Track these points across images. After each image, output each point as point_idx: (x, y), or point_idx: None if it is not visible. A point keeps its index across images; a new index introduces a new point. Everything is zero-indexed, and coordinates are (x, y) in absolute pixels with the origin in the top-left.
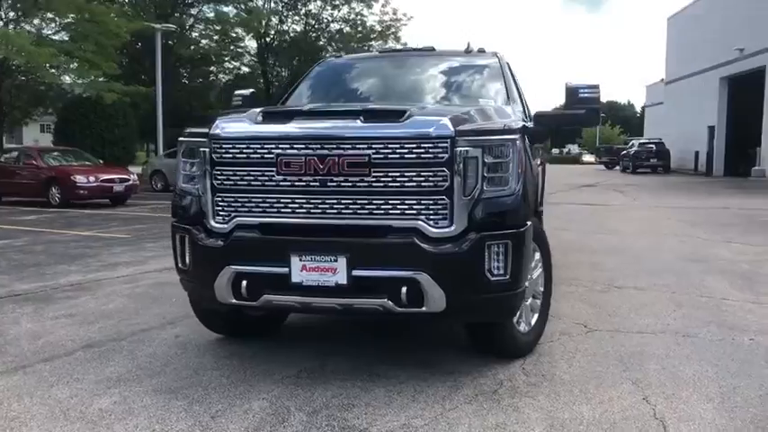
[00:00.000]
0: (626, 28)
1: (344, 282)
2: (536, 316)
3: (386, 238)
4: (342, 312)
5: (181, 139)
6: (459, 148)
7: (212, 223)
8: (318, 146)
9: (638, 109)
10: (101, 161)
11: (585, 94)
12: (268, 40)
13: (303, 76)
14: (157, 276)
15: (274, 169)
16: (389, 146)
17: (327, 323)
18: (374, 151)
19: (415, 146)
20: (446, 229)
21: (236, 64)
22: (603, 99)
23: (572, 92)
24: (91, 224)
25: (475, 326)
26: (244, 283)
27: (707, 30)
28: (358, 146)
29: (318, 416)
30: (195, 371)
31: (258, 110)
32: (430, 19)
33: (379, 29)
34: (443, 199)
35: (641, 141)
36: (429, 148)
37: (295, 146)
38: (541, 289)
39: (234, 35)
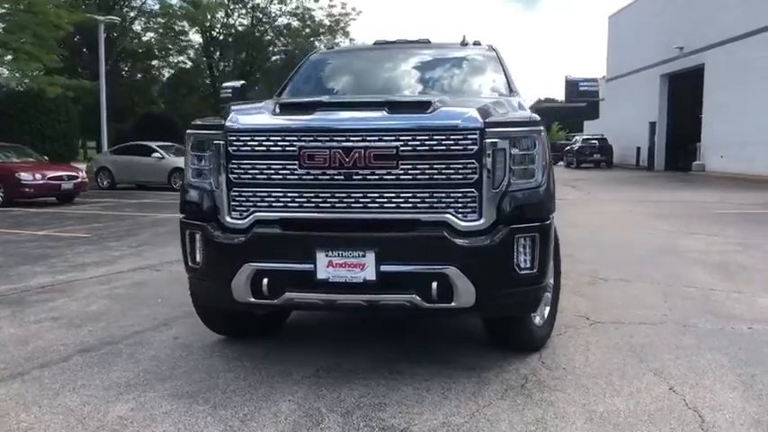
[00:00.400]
0: (565, 26)
1: (373, 277)
2: (548, 309)
3: (415, 232)
4: (366, 309)
5: (190, 131)
6: (487, 140)
7: (228, 219)
8: (344, 138)
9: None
10: (45, 158)
11: (585, 87)
12: (214, 33)
13: (297, 67)
14: (133, 276)
15: (296, 162)
16: (418, 137)
17: (331, 320)
18: (402, 143)
19: (444, 137)
20: (475, 223)
21: (182, 58)
22: (542, 96)
23: (572, 85)
24: (42, 223)
25: (493, 320)
26: (265, 280)
27: (647, 28)
28: (385, 137)
29: (353, 416)
30: (208, 374)
31: (273, 101)
32: (378, 14)
33: (328, 23)
34: (472, 192)
35: (584, 137)
36: (458, 139)
37: (319, 138)
38: (552, 282)
39: (178, 28)
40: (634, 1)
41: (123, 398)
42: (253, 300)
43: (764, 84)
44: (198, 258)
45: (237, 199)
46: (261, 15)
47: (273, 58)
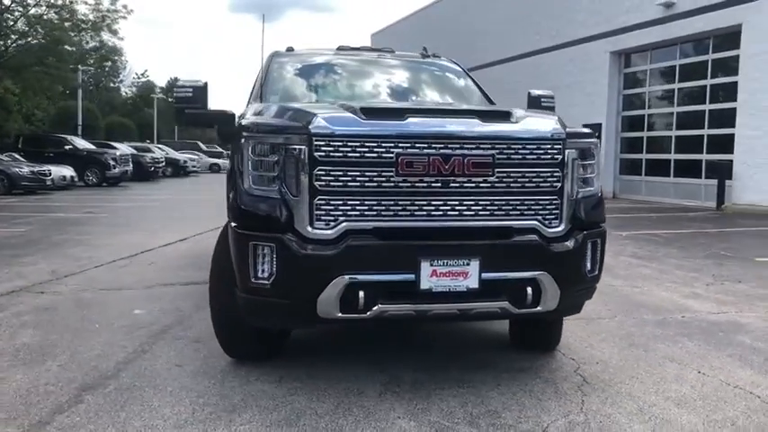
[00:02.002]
0: (330, 41)
1: (476, 285)
2: None
3: (513, 240)
4: (458, 318)
5: (250, 134)
6: (567, 150)
7: (309, 229)
8: (442, 145)
9: None
10: None
11: (546, 103)
12: None
13: (266, 71)
14: (39, 300)
15: (393, 169)
16: (513, 146)
17: (313, 336)
18: (498, 151)
19: (535, 146)
20: (557, 229)
21: None
22: None
23: (535, 100)
24: None
25: (527, 322)
26: (360, 293)
27: (411, 48)
28: (482, 146)
29: (481, 424)
30: (273, 399)
31: (345, 105)
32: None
33: (93, 19)
34: (556, 199)
35: None
36: (548, 149)
37: (417, 144)
38: None
39: None
40: (395, 21)
41: None
42: (340, 315)
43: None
44: (268, 274)
45: (324, 208)
46: (9, 2)
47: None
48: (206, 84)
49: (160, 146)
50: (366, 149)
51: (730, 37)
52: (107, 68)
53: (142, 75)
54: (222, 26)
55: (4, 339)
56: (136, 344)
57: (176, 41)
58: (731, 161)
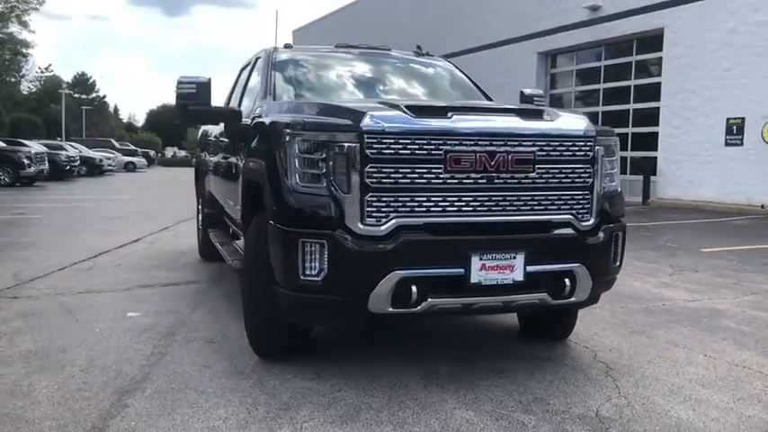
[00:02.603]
0: (252, 37)
1: (521, 278)
2: None
3: (553, 233)
4: (500, 310)
5: (294, 132)
6: (597, 147)
7: (360, 226)
8: (487, 142)
9: None
10: None
11: (537, 102)
12: None
13: (269, 68)
14: (19, 305)
15: (442, 166)
16: (551, 143)
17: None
18: (538, 148)
19: (571, 144)
20: (589, 222)
21: None
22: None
23: (528, 98)
24: None
25: (546, 313)
26: (413, 288)
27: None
28: (524, 143)
29: (534, 410)
30: (331, 397)
31: (389, 102)
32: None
33: (2, 10)
34: (588, 194)
35: None
36: (581, 146)
37: (464, 142)
38: None
39: None
40: (318, 18)
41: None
42: (391, 309)
43: None
44: (317, 270)
45: (375, 204)
46: None
47: None
48: (209, 80)
49: (72, 144)
50: (416, 147)
51: (653, 40)
52: (7, 62)
53: (46, 69)
54: (120, 19)
55: (4, 346)
56: (149, 347)
57: (75, 35)
58: (655, 158)
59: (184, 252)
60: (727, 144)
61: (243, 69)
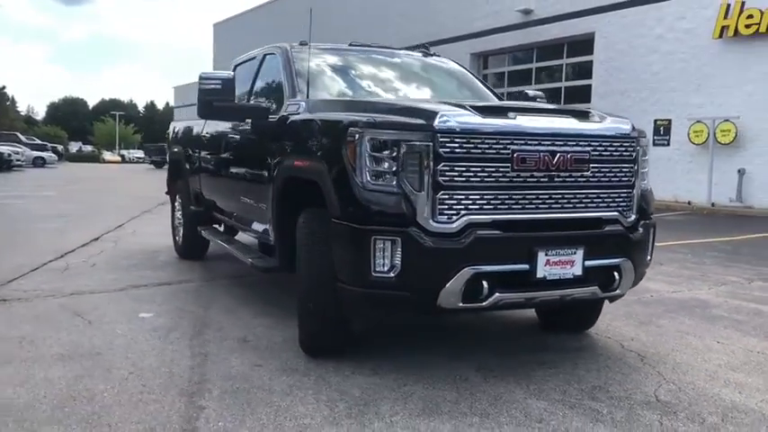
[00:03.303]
0: (169, 30)
1: (580, 273)
2: None
3: (606, 229)
4: (555, 303)
5: (363, 130)
6: (638, 147)
7: (432, 223)
8: (550, 142)
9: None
10: None
11: (540, 101)
12: None
13: (288, 65)
14: (14, 308)
15: (509, 165)
16: (603, 143)
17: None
18: (592, 148)
19: (618, 144)
20: (631, 219)
21: None
22: (106, 97)
23: (532, 99)
24: None
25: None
26: (484, 283)
27: (259, 39)
28: (581, 143)
29: (599, 396)
30: (393, 391)
31: (455, 102)
32: None
33: None
34: (630, 192)
35: None
36: (627, 146)
37: (529, 142)
38: None
39: None
40: (241, 12)
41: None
42: (461, 304)
43: None
44: (389, 267)
45: (447, 202)
46: None
47: None
48: (234, 75)
49: None
50: (486, 146)
51: (584, 44)
52: None
53: None
54: (13, 5)
55: (31, 350)
56: (184, 347)
57: None
58: None
59: (157, 251)
60: (655, 144)
61: (239, 66)
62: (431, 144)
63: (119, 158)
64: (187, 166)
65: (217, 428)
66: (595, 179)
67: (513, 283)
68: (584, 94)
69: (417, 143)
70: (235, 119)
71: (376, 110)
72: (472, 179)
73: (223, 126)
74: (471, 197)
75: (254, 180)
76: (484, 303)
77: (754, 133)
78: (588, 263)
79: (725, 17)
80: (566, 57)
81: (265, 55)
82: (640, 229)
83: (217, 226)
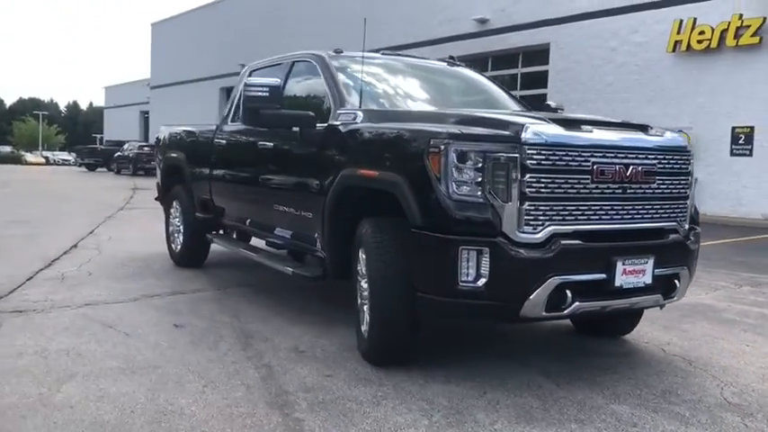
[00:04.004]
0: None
1: (650, 281)
2: None
3: (670, 239)
4: (623, 312)
5: (451, 141)
6: (691, 160)
7: (518, 233)
8: (624, 155)
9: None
10: None
11: (559, 111)
12: None
13: (330, 72)
14: (38, 319)
15: (590, 177)
16: (666, 156)
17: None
18: (658, 161)
19: (678, 157)
20: (685, 228)
21: None
22: (25, 95)
23: (554, 110)
24: None
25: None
26: (567, 292)
27: (201, 42)
28: (649, 156)
29: (672, 400)
30: (476, 399)
31: (536, 115)
32: None
33: None
34: (686, 203)
35: (140, 144)
36: (685, 159)
37: (607, 154)
38: None
39: None
40: (179, 14)
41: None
42: (544, 313)
43: None
44: (474, 277)
45: (533, 213)
46: None
47: None
48: (280, 83)
49: None
50: (570, 158)
51: (540, 54)
52: None
53: None
54: None
55: (86, 363)
56: (242, 358)
57: None
58: None
59: (147, 258)
60: None
61: (255, 72)
62: (518, 156)
63: (43, 160)
64: (191, 173)
65: None
66: (660, 191)
67: (591, 292)
68: (538, 103)
69: (505, 155)
70: (280, 126)
71: (467, 122)
72: (556, 190)
73: (250, 133)
74: (555, 208)
75: (298, 188)
76: (564, 312)
77: (705, 143)
78: (657, 271)
79: (678, 32)
80: (521, 66)
81: (294, 62)
82: (692, 238)
83: (220, 232)
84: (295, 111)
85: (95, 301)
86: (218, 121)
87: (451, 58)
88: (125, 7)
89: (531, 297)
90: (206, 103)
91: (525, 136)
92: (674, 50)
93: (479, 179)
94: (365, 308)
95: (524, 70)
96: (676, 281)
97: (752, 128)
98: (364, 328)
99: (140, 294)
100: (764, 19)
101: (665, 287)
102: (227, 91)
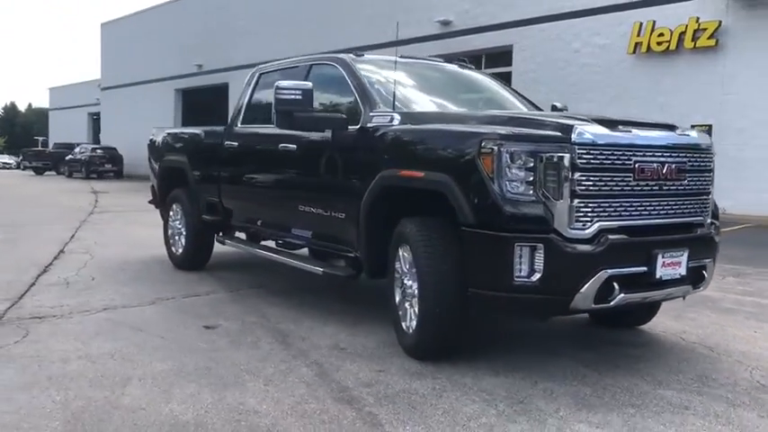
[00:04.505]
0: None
1: (684, 273)
2: None
3: (699, 233)
4: (660, 300)
5: (499, 141)
6: (713, 157)
7: (568, 229)
8: (660, 153)
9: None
10: None
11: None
12: None
13: (355, 76)
14: (65, 325)
15: (632, 175)
16: (695, 154)
17: None
18: (687, 159)
19: (704, 155)
20: (708, 222)
21: None
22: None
23: (559, 110)
24: None
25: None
26: (615, 285)
27: (154, 42)
28: (681, 154)
29: (712, 385)
30: (526, 390)
31: (581, 116)
32: None
33: None
34: (709, 198)
35: (93, 147)
36: (709, 156)
37: (647, 153)
38: None
39: None
40: (131, 14)
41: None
42: (593, 305)
43: None
44: (528, 272)
45: (582, 210)
46: None
47: None
48: (312, 85)
49: None
50: (615, 157)
51: (503, 55)
52: None
53: None
54: None
55: (135, 366)
56: (289, 357)
57: None
58: None
59: (144, 261)
60: None
61: (264, 75)
62: (569, 155)
63: None
64: (195, 176)
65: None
66: (690, 187)
67: (634, 284)
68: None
69: (557, 155)
70: (312, 129)
71: (516, 123)
72: (602, 188)
73: (269, 135)
74: (602, 205)
75: (330, 190)
76: (611, 304)
77: None
78: (691, 263)
79: (638, 35)
80: (484, 67)
81: (312, 65)
82: (714, 232)
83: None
84: (327, 113)
85: (113, 305)
86: (222, 124)
87: (463, 60)
88: (54, 8)
89: (582, 290)
90: (161, 105)
91: (575, 136)
92: (634, 52)
93: (531, 178)
94: (407, 305)
95: (488, 71)
96: (704, 272)
97: (710, 126)
98: (406, 324)
99: (155, 298)
100: (720, 22)
101: (693, 278)
102: (184, 93)
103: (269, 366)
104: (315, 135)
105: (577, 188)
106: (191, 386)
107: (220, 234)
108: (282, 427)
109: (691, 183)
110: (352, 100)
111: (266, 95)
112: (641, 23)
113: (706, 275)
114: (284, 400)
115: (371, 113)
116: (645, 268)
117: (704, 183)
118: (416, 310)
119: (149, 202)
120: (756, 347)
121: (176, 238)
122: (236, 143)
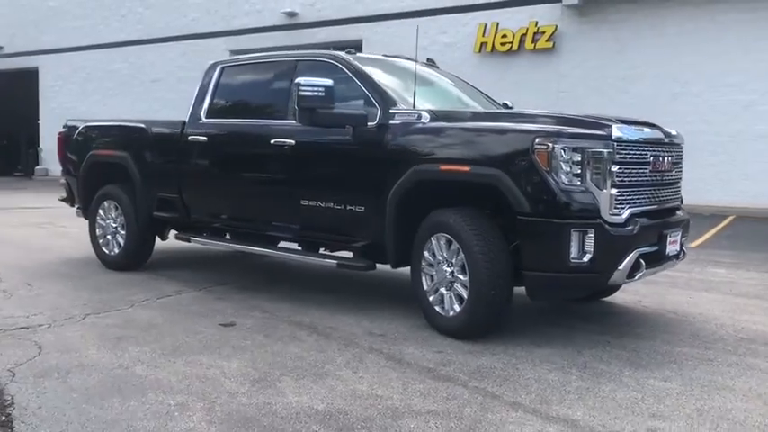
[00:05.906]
0: None
1: (679, 249)
2: None
3: (680, 215)
4: (656, 271)
5: (553, 138)
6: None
7: (609, 216)
8: (663, 148)
9: None
10: None
11: (509, 103)
12: None
13: (359, 72)
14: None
15: (649, 167)
16: (678, 149)
17: None
18: (675, 153)
19: (680, 149)
20: (681, 205)
21: None
22: None
23: (506, 106)
24: None
25: None
26: (642, 262)
27: None
28: (673, 149)
29: (745, 360)
30: (605, 370)
31: (604, 116)
32: None
33: None
34: (680, 186)
35: None
36: (681, 150)
37: (657, 148)
38: None
39: None
40: None
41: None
42: (626, 279)
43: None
44: (579, 254)
45: (618, 198)
46: None
47: None
48: (333, 83)
49: None
50: (639, 152)
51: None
52: None
53: None
54: None
55: (218, 368)
56: (342, 346)
57: None
58: None
59: (68, 264)
60: None
61: (227, 68)
62: (611, 151)
63: None
64: (143, 172)
65: (525, 400)
66: (676, 177)
67: (651, 260)
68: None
69: (601, 150)
70: (334, 126)
71: (562, 122)
72: (633, 178)
73: (256, 128)
74: (631, 194)
75: (347, 184)
76: (636, 278)
77: None
78: (682, 240)
79: (483, 35)
80: None
81: (299, 61)
82: (683, 212)
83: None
84: (348, 110)
85: (94, 311)
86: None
87: (431, 60)
88: None
89: (620, 267)
90: None
91: (615, 134)
92: (480, 51)
93: (578, 171)
94: (443, 289)
95: None
96: (684, 248)
97: None
98: (445, 307)
99: (131, 300)
100: (556, 27)
101: (678, 254)
102: None
103: (337, 357)
104: (322, 132)
105: (616, 179)
106: (286, 379)
107: (177, 232)
108: (416, 406)
109: (676, 173)
110: (362, 98)
111: (238, 89)
112: (486, 25)
113: (685, 249)
114: (390, 384)
115: (393, 111)
116: (657, 247)
117: (681, 173)
118: (458, 293)
119: (61, 199)
120: (703, 309)
121: (109, 237)
122: (204, 137)
